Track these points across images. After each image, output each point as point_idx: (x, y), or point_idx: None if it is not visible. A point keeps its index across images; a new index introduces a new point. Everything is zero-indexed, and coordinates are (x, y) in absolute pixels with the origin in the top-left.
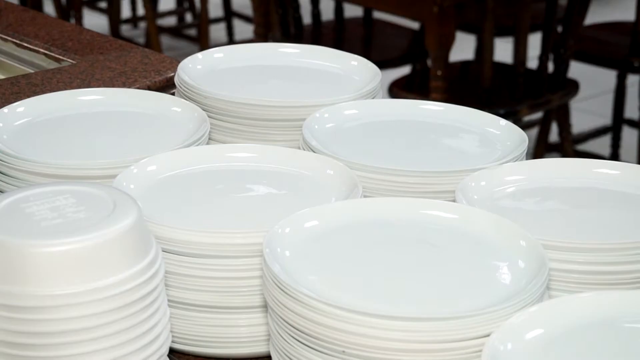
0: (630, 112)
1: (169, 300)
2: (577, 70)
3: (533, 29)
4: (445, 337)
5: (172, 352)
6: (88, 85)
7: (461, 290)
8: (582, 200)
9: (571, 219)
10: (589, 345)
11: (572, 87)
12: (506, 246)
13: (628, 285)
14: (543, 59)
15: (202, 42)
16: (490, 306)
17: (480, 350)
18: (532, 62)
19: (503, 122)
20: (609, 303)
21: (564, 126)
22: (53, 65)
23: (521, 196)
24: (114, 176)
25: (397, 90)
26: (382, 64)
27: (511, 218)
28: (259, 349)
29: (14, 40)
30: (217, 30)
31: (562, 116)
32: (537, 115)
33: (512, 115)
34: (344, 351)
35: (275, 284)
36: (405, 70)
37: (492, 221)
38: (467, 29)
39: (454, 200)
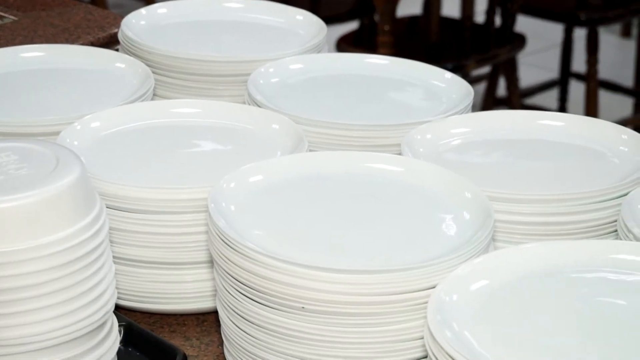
0: (577, 65)
1: (114, 257)
2: (524, 24)
3: None
4: (391, 289)
5: (118, 308)
6: (31, 42)
7: (407, 243)
8: (527, 152)
9: (516, 170)
10: (534, 295)
11: (519, 41)
12: (451, 198)
13: (573, 235)
14: (490, 13)
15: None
16: (436, 258)
17: (427, 302)
18: (480, 17)
19: (448, 75)
20: (554, 254)
21: (512, 80)
22: None
23: (467, 148)
24: (57, 133)
25: (345, 45)
26: (330, 19)
27: (457, 170)
28: (206, 305)
29: None
30: None
31: (510, 70)
32: (485, 69)
33: (459, 69)
34: (303, 307)
35: (221, 238)
36: (353, 25)
37: (437, 173)
38: None
39: (400, 154)
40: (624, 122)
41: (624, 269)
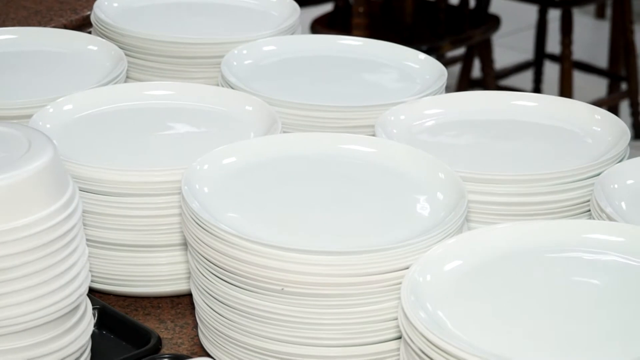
0: (551, 46)
1: (88, 240)
2: (498, 5)
3: None
4: (365, 270)
5: (93, 291)
6: (3, 24)
7: (381, 224)
8: (501, 133)
9: (490, 151)
10: (508, 275)
11: (494, 22)
12: (425, 179)
13: (546, 215)
14: None
15: None
16: (410, 239)
17: (401, 283)
18: None
19: (422, 56)
20: (527, 234)
21: (487, 62)
22: None
23: (440, 129)
24: (29, 116)
25: (319, 27)
26: (304, 1)
27: (430, 151)
28: (180, 287)
29: None
30: None
31: (485, 52)
32: (460, 51)
33: (434, 51)
34: (282, 289)
35: (194, 221)
36: (327, 7)
37: (411, 154)
38: None
39: (373, 135)
40: (598, 103)
41: (597, 248)
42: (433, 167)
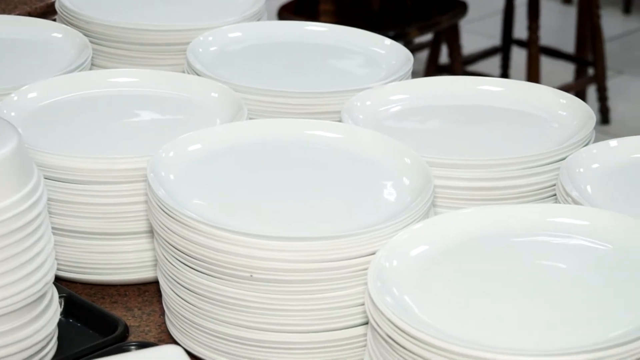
0: (518, 32)
1: (54, 228)
2: None
3: None
4: (332, 256)
5: (59, 279)
6: None
7: (347, 209)
8: (467, 118)
9: (456, 136)
10: (474, 260)
11: (461, 8)
12: (391, 164)
13: (512, 200)
14: None
15: None
16: (376, 224)
17: (367, 268)
18: None
19: (388, 41)
20: (493, 218)
21: (454, 47)
22: None
23: (406, 115)
24: None
25: (286, 14)
26: None
27: (397, 137)
28: (147, 275)
29: None
30: None
31: (452, 37)
32: (427, 37)
33: (401, 37)
34: (251, 275)
35: (160, 208)
36: None
37: (377, 140)
38: None
39: (340, 121)
40: (565, 88)
41: (563, 232)
42: (399, 153)
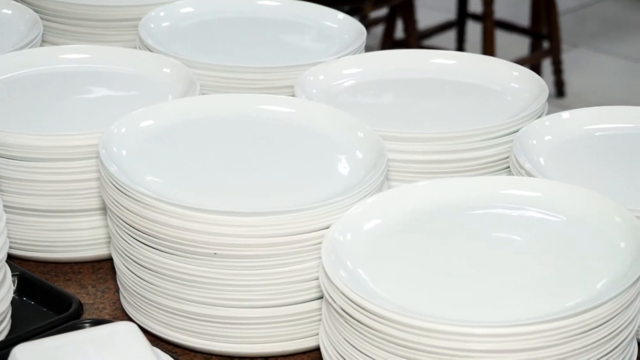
0: (474, 6)
1: (6, 207)
2: None
3: None
4: (285, 230)
5: (12, 258)
6: None
7: (301, 184)
8: (420, 91)
9: (409, 110)
10: (428, 232)
11: None
12: (344, 138)
13: (466, 172)
14: None
15: None
16: (330, 198)
17: (321, 242)
18: None
19: (341, 15)
20: (446, 191)
21: (409, 22)
22: None
23: (359, 89)
24: None
25: None
26: None
27: (350, 111)
28: (101, 252)
29: None
30: None
31: (407, 12)
32: (383, 11)
33: (356, 12)
34: (215, 253)
35: (113, 184)
36: None
37: (329, 114)
38: None
39: (293, 96)
40: (520, 62)
41: (516, 204)
42: (352, 127)
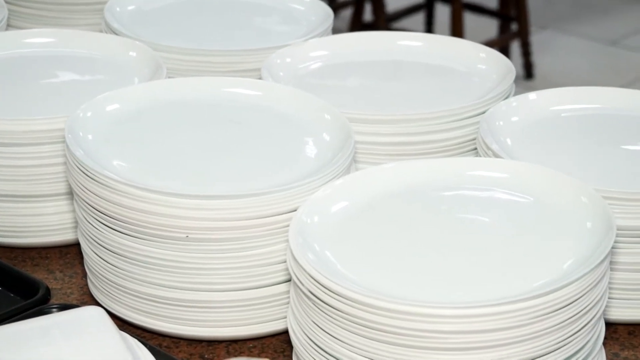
0: None
1: None
2: None
3: None
4: (253, 213)
5: None
6: None
7: (268, 166)
8: (387, 73)
9: (376, 92)
10: (395, 214)
11: None
12: (311, 121)
13: (434, 154)
14: None
15: None
16: (297, 181)
17: (289, 225)
18: None
19: None
20: (414, 172)
21: (378, 4)
22: None
23: (327, 71)
24: None
25: None
26: None
27: (317, 93)
28: (68, 237)
29: None
30: None
31: None
32: None
33: None
34: (187, 236)
35: (79, 169)
36: None
37: (296, 96)
38: None
39: (260, 79)
40: (489, 44)
41: (483, 185)
42: (319, 109)
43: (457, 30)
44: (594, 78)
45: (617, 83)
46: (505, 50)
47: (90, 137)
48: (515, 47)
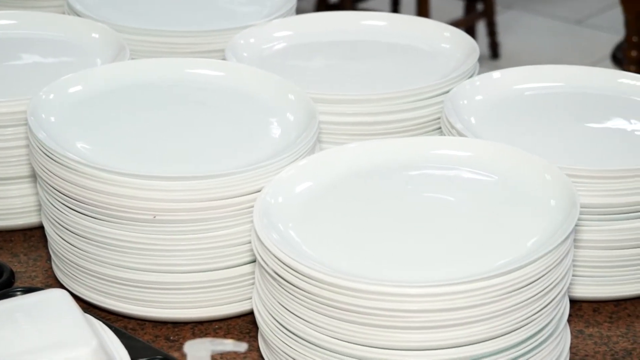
0: None
1: None
2: None
3: None
4: (217, 194)
5: None
6: None
7: (233, 147)
8: (351, 53)
9: (341, 72)
10: (359, 194)
11: None
12: (275, 101)
13: (398, 134)
14: None
15: None
16: (261, 161)
17: (253, 205)
18: None
19: None
20: (377, 152)
21: None
22: None
23: (291, 52)
24: None
25: None
26: None
27: (282, 74)
28: (32, 220)
29: None
30: None
31: None
32: None
33: None
34: (154, 217)
35: (42, 151)
36: None
37: (259, 77)
38: None
39: (224, 60)
40: (454, 24)
41: (448, 164)
42: (283, 89)
43: (423, 10)
44: (559, 57)
45: (583, 62)
46: (471, 30)
47: (52, 119)
48: (481, 27)
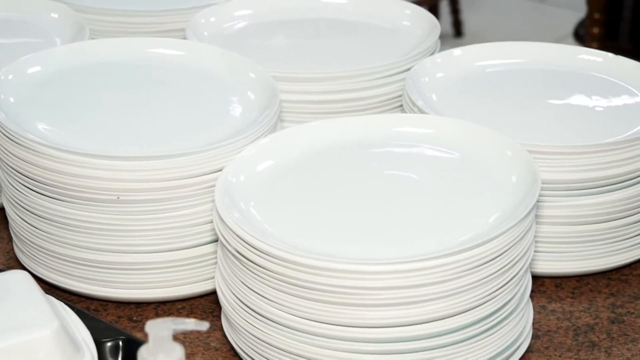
0: None
1: None
2: None
3: None
4: (179, 173)
5: None
6: None
7: (193, 126)
8: (312, 31)
9: (302, 50)
10: (321, 172)
11: None
12: (236, 80)
13: (360, 112)
14: None
15: None
16: (222, 140)
17: (215, 185)
18: None
19: None
20: (338, 130)
21: None
22: None
23: (252, 30)
24: None
25: None
26: None
27: (243, 53)
28: None
29: None
30: None
31: None
32: None
33: None
34: (118, 197)
35: (2, 132)
36: None
37: (220, 55)
38: None
39: (185, 39)
40: (418, 2)
41: (409, 141)
42: (243, 68)
43: None
44: (524, 35)
45: (548, 39)
46: (434, 9)
47: (11, 100)
48: (445, 5)
